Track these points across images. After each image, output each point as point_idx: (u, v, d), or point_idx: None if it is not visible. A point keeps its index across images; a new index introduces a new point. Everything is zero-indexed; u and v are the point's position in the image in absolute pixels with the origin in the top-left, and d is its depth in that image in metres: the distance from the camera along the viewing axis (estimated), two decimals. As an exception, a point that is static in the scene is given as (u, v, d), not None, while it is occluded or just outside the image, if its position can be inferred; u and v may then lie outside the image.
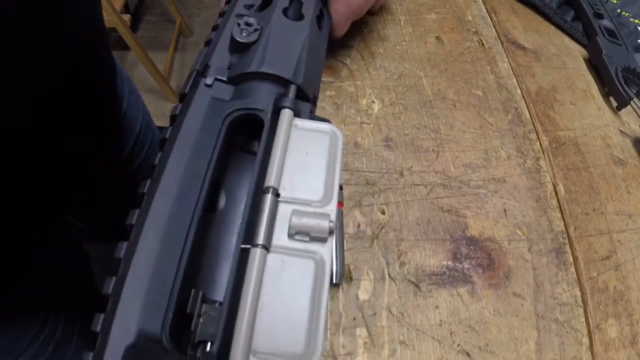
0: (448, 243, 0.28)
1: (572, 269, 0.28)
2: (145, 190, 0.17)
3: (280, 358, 0.15)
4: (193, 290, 0.16)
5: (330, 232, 0.17)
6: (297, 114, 0.20)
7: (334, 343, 0.24)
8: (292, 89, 0.21)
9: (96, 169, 0.48)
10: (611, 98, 0.39)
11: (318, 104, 0.33)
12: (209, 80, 0.21)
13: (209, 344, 0.15)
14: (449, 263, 0.27)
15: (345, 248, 0.26)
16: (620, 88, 0.37)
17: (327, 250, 0.17)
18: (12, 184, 0.33)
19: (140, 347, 0.14)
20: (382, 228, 0.28)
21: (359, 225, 0.28)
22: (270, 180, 0.18)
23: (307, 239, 0.17)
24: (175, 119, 0.20)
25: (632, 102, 0.37)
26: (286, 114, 0.20)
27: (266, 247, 0.16)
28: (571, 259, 0.29)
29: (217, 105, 0.21)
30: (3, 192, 0.33)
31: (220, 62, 0.23)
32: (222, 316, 0.15)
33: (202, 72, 0.22)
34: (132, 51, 1.42)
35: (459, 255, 0.28)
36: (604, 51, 0.40)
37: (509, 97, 0.37)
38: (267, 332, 0.15)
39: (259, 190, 0.18)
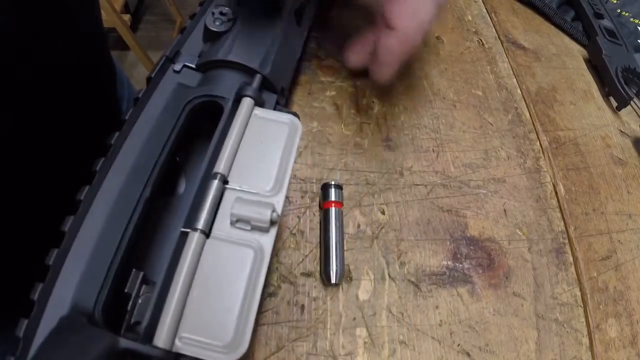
0: (448, 243, 0.28)
1: (572, 269, 0.28)
2: (97, 168, 0.18)
3: (206, 345, 0.15)
4: (134, 270, 0.16)
5: (273, 223, 0.17)
6: (259, 104, 0.20)
7: (334, 343, 0.24)
8: (257, 79, 0.21)
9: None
10: (611, 98, 0.39)
11: (318, 104, 0.33)
12: (177, 67, 0.22)
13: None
14: (449, 263, 0.27)
15: (345, 248, 0.26)
16: (620, 88, 0.37)
17: (268, 241, 0.17)
18: (9, 185, 0.33)
19: (73, 319, 0.14)
20: (382, 228, 0.28)
21: (359, 225, 0.28)
22: (220, 167, 0.18)
23: (248, 227, 0.17)
24: (138, 102, 0.20)
25: (632, 102, 0.37)
26: (246, 102, 0.20)
27: (205, 233, 0.16)
28: (571, 259, 0.29)
29: (182, 90, 0.21)
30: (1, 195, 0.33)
31: (193, 50, 0.23)
32: (153, 296, 0.15)
33: (172, 59, 0.22)
34: (132, 51, 1.42)
35: (459, 255, 0.28)
36: (604, 51, 0.40)
37: (509, 97, 0.37)
38: (196, 318, 0.15)
39: (208, 176, 0.18)
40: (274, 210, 0.17)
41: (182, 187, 0.21)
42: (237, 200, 0.17)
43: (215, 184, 0.17)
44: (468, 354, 0.24)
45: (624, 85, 0.37)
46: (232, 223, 0.17)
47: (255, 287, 0.16)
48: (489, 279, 0.27)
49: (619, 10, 0.48)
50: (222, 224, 0.17)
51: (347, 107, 0.33)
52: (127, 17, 1.37)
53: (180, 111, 0.20)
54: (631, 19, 0.47)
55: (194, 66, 0.22)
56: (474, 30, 0.42)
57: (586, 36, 0.43)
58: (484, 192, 0.31)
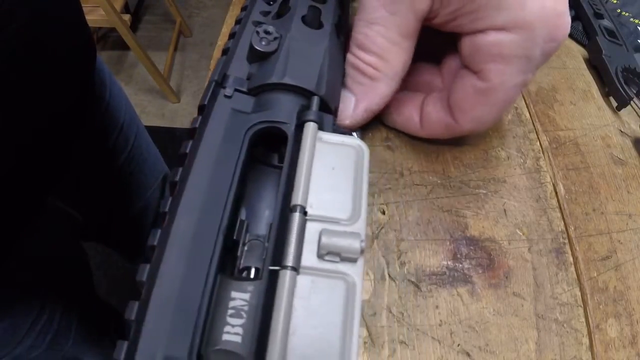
0: (448, 243, 0.28)
1: (572, 269, 0.28)
2: (166, 209, 0.17)
3: None
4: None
5: (361, 252, 0.16)
6: (320, 127, 0.20)
7: (334, 343, 0.24)
8: (315, 101, 0.20)
9: (80, 154, 0.47)
10: (611, 98, 0.39)
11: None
12: (228, 91, 0.21)
13: None
14: (449, 263, 0.27)
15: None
16: (620, 88, 0.37)
17: (358, 271, 0.16)
18: None
19: None
20: (382, 228, 0.28)
21: (359, 225, 0.28)
22: (298, 199, 0.17)
23: (337, 259, 0.16)
24: (195, 132, 0.19)
25: (632, 102, 0.37)
26: (310, 127, 0.19)
27: (295, 269, 0.16)
28: (571, 259, 0.29)
29: (238, 117, 0.20)
30: None
31: (238, 71, 0.22)
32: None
33: (221, 83, 0.21)
34: (132, 51, 1.42)
35: (459, 255, 0.28)
36: (604, 51, 0.40)
37: (509, 97, 0.37)
38: (300, 357, 0.15)
39: (286, 209, 0.17)
40: (362, 240, 0.17)
41: (242, 217, 0.20)
42: (325, 233, 0.17)
43: (297, 216, 0.17)
44: (468, 354, 0.24)
45: (624, 85, 0.37)
46: (320, 256, 0.16)
47: (352, 317, 0.16)
48: (489, 279, 0.27)
49: (619, 10, 0.48)
50: (308, 257, 0.16)
51: (347, 107, 0.33)
52: (127, 17, 1.37)
53: (242, 140, 0.19)
54: (631, 19, 0.47)
55: (245, 90, 0.21)
56: (474, 30, 0.42)
57: (586, 36, 0.43)
58: (484, 192, 0.31)
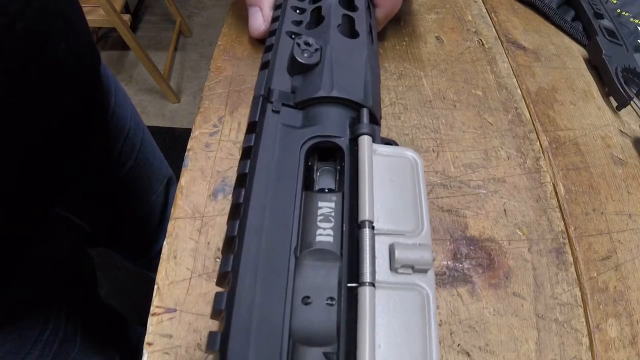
0: (448, 243, 0.28)
1: (572, 269, 0.28)
2: (235, 234, 0.17)
3: None
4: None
5: (432, 262, 0.17)
6: (373, 139, 0.20)
7: (334, 343, 0.24)
8: (365, 113, 0.20)
9: (86, 164, 0.47)
10: (611, 98, 0.39)
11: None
12: (276, 107, 0.20)
13: None
14: (449, 263, 0.27)
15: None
16: (620, 88, 0.37)
17: (430, 281, 0.17)
18: None
19: None
20: (382, 228, 0.28)
21: (359, 225, 0.28)
22: (365, 214, 0.17)
23: (410, 271, 0.17)
24: (251, 152, 0.19)
25: (632, 102, 0.37)
26: (365, 140, 0.19)
27: (373, 284, 0.16)
28: (571, 259, 0.29)
29: (290, 133, 0.20)
30: None
31: (281, 85, 0.22)
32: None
33: (267, 97, 0.21)
34: (132, 51, 1.42)
35: (459, 255, 0.28)
36: (604, 51, 0.40)
37: (509, 97, 0.37)
38: None
39: (354, 224, 0.17)
40: (433, 251, 0.17)
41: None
42: (397, 246, 0.17)
43: (367, 232, 0.17)
44: (468, 354, 0.24)
45: (624, 85, 0.37)
46: (394, 269, 0.17)
47: (431, 328, 0.16)
48: (489, 279, 0.27)
49: (619, 10, 0.48)
50: (381, 271, 0.17)
51: (347, 107, 0.33)
52: (127, 17, 1.37)
53: (298, 156, 0.19)
54: (631, 19, 0.47)
55: (292, 104, 0.21)
56: (474, 30, 0.42)
57: (586, 36, 0.43)
58: (484, 192, 0.31)
